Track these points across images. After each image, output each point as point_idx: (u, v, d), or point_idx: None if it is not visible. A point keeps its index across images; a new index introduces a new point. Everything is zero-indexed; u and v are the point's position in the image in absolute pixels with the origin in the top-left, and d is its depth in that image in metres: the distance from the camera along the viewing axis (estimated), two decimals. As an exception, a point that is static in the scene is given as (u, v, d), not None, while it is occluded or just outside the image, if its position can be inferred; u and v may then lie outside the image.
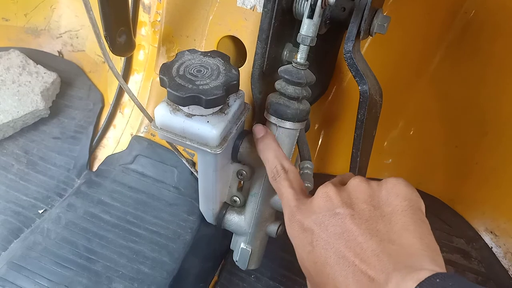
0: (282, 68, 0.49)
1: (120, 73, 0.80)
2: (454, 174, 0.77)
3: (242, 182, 0.59)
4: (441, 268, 0.29)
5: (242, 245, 0.60)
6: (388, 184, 0.35)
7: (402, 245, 0.30)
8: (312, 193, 0.41)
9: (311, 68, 0.49)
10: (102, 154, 0.87)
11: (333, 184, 0.37)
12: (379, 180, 0.36)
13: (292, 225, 0.37)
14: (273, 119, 0.49)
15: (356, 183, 0.36)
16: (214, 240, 0.72)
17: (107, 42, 0.60)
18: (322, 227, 0.34)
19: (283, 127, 0.49)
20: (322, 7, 0.44)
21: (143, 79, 0.81)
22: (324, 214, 0.35)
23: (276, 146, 0.46)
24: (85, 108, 0.93)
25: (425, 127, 0.77)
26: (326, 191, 0.36)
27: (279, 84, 0.49)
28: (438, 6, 0.67)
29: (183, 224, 0.71)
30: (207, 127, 0.44)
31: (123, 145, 0.83)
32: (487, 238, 0.73)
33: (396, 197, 0.33)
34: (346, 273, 0.30)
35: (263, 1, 0.49)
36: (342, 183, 0.39)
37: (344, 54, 0.49)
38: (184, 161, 0.73)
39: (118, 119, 0.88)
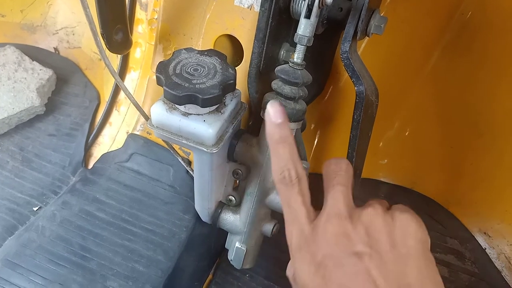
0: (278, 67, 0.49)
1: (116, 71, 0.80)
2: (449, 175, 0.77)
3: (237, 181, 0.59)
4: None
5: (237, 244, 0.60)
6: (403, 221, 0.34)
7: None
8: (317, 206, 0.38)
9: (307, 68, 0.49)
10: (97, 151, 0.87)
11: (348, 214, 0.35)
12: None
13: (302, 254, 0.35)
14: (269, 119, 0.49)
15: (371, 218, 0.34)
16: (209, 239, 0.72)
17: (103, 40, 0.60)
18: (338, 264, 0.33)
19: (279, 127, 0.49)
20: (319, 7, 0.44)
21: (140, 77, 0.81)
22: (341, 250, 0.33)
23: (293, 142, 0.39)
24: (81, 106, 0.93)
25: (420, 127, 0.78)
26: (342, 224, 0.34)
27: (275, 84, 0.49)
28: (435, 8, 0.67)
29: (178, 223, 0.71)
30: (203, 126, 0.44)
31: (118, 143, 0.83)
32: (481, 239, 0.73)
33: (411, 239, 0.33)
34: None
35: (260, 0, 0.49)
36: (351, 205, 0.36)
37: (341, 54, 0.49)
38: (180, 160, 0.72)
39: (114, 116, 0.88)
